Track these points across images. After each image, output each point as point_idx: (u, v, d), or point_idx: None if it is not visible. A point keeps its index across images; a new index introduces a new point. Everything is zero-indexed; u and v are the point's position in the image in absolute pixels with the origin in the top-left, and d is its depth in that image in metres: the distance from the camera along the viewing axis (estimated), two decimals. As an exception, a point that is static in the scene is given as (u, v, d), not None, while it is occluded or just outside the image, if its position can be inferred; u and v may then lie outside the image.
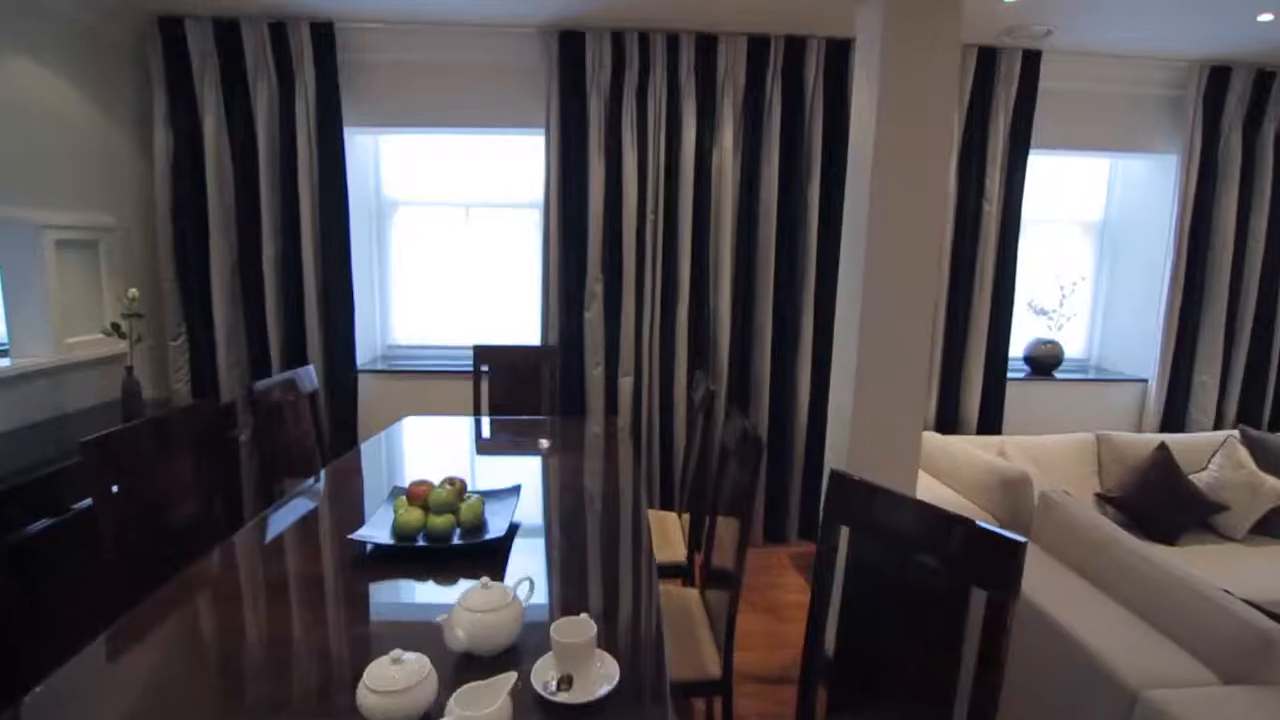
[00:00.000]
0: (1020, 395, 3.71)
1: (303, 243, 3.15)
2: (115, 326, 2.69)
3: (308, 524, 1.78)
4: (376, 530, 1.63)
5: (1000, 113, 3.30)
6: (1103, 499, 3.01)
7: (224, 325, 3.19)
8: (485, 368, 3.09)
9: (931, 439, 2.96)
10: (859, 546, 1.37)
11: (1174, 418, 3.70)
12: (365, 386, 3.41)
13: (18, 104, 2.56)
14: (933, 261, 2.19)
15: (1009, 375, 3.61)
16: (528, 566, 1.56)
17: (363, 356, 3.51)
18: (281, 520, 1.79)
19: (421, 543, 1.59)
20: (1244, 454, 2.96)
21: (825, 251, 3.30)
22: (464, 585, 1.43)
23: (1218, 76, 3.39)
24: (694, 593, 2.10)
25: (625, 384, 3.29)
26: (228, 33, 3.05)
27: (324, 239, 3.19)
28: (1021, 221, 3.44)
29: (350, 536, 1.56)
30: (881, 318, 2.21)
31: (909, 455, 2.29)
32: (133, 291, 2.70)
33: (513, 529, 1.73)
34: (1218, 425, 3.69)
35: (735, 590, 1.69)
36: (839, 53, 3.19)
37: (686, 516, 2.50)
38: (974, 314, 3.47)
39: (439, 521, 1.63)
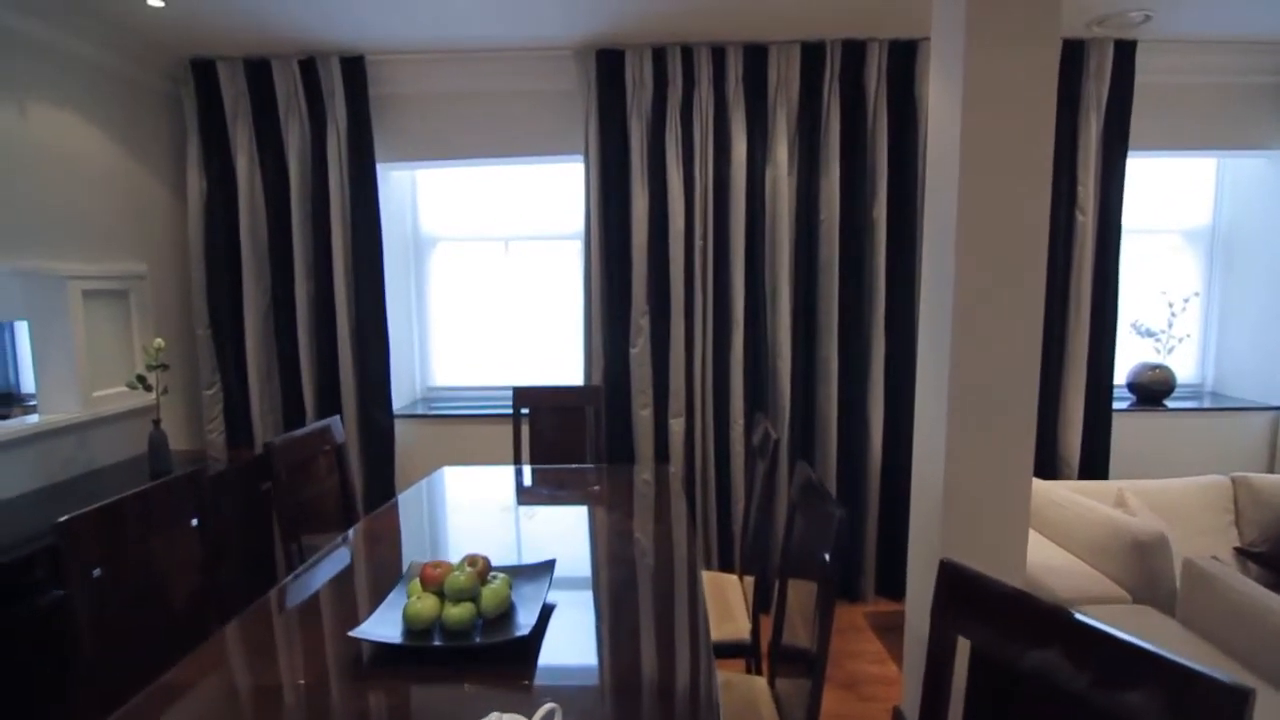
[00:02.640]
0: (1127, 429, 3.26)
1: (335, 283, 3.00)
2: (141, 379, 2.57)
3: (314, 606, 1.55)
4: (385, 621, 1.39)
5: (1092, 112, 2.93)
6: (1244, 554, 2.54)
7: (257, 372, 3.06)
8: (525, 411, 2.86)
9: (1036, 488, 2.57)
10: (987, 664, 1.04)
11: (1316, 452, 3.18)
12: (403, 432, 3.23)
13: (49, 153, 2.51)
14: (1039, 282, 1.84)
15: (1114, 407, 3.17)
16: (564, 653, 1.28)
17: (402, 400, 3.35)
18: (294, 594, 1.56)
19: (436, 641, 1.33)
20: None
21: (895, 274, 2.97)
22: (486, 695, 1.16)
23: (1353, 57, 2.93)
24: (761, 682, 1.78)
25: (676, 426, 3.01)
26: (259, 72, 2.97)
27: (357, 278, 3.04)
28: (1122, 232, 3.03)
29: (351, 634, 1.32)
30: (977, 349, 1.87)
31: (1017, 513, 1.93)
32: (158, 342, 2.59)
33: (546, 614, 1.46)
34: (1373, 460, 3.15)
35: (817, 680, 1.37)
36: (903, 55, 2.89)
37: (750, 580, 2.19)
38: (1071, 339, 3.06)
39: (456, 612, 1.37)
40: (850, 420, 3.03)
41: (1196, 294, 3.54)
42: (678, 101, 2.90)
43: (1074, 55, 2.91)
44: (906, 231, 2.94)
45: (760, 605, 2.06)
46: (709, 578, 2.35)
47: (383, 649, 1.34)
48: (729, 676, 1.79)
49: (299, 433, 2.18)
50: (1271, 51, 3.01)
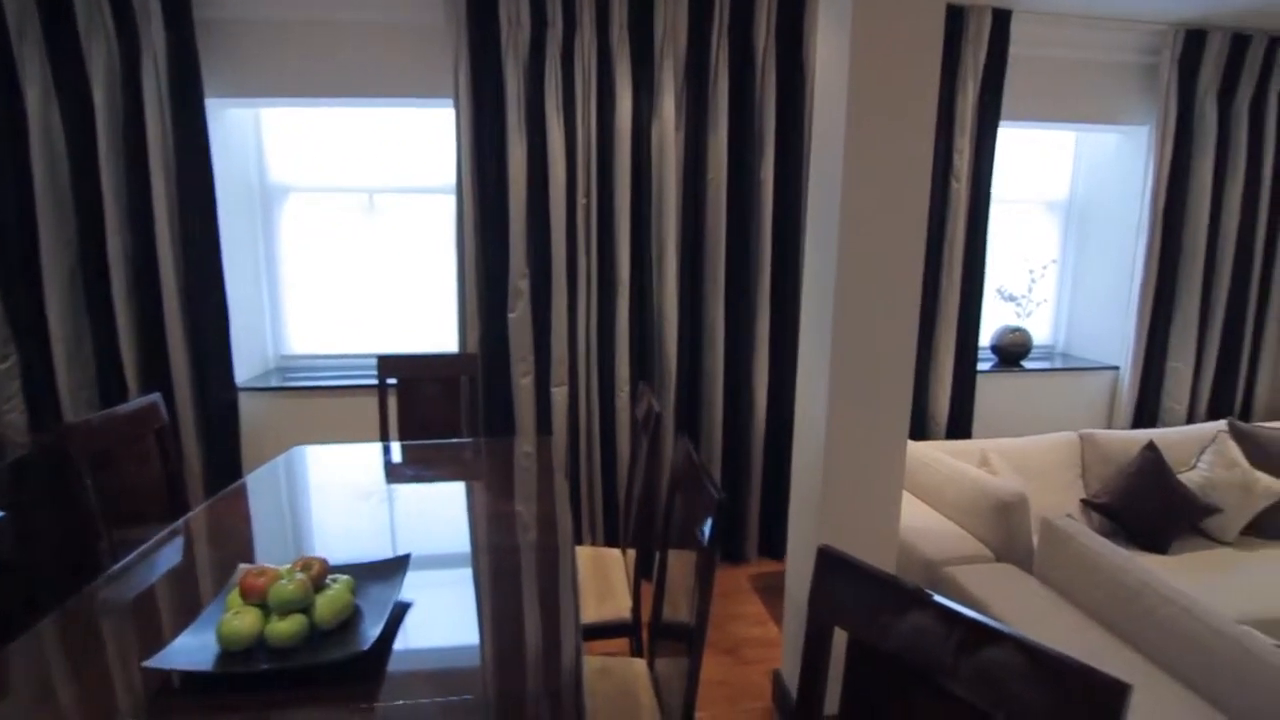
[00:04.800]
0: (989, 388, 3.44)
1: (158, 237, 2.59)
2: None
3: (116, 622, 1.30)
4: (195, 644, 1.17)
5: (969, 80, 2.98)
6: (1089, 505, 2.74)
7: (64, 341, 2.61)
8: (393, 381, 2.61)
9: (908, 449, 2.63)
10: (864, 650, 0.99)
11: (1146, 408, 3.49)
12: (252, 407, 2.88)
13: None
14: (919, 246, 1.82)
15: (979, 368, 3.33)
16: (418, 659, 1.13)
17: (250, 370, 2.98)
18: (98, 605, 1.30)
19: (265, 665, 1.13)
20: (1236, 451, 2.73)
21: (782, 237, 2.93)
22: (304, 738, 0.99)
23: (1194, 40, 3.13)
24: (641, 665, 1.70)
25: (559, 396, 2.86)
26: (48, -21, 2.46)
27: (185, 232, 2.64)
28: (991, 201, 3.14)
29: (146, 665, 1.09)
30: (859, 315, 1.83)
31: (893, 477, 1.94)
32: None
33: (397, 618, 1.29)
34: (1191, 415, 3.50)
35: (695, 661, 1.29)
36: (792, 11, 2.79)
37: (633, 553, 2.11)
38: (943, 302, 3.16)
39: (283, 627, 1.17)
40: (736, 384, 3.00)
41: (1054, 261, 3.76)
42: (558, 46, 2.67)
43: (955, 20, 2.92)
44: (794, 193, 2.89)
45: (639, 581, 1.98)
46: (591, 554, 2.25)
47: (194, 678, 1.12)
48: (607, 662, 1.70)
49: (103, 415, 1.85)
50: (1134, 31, 3.16)
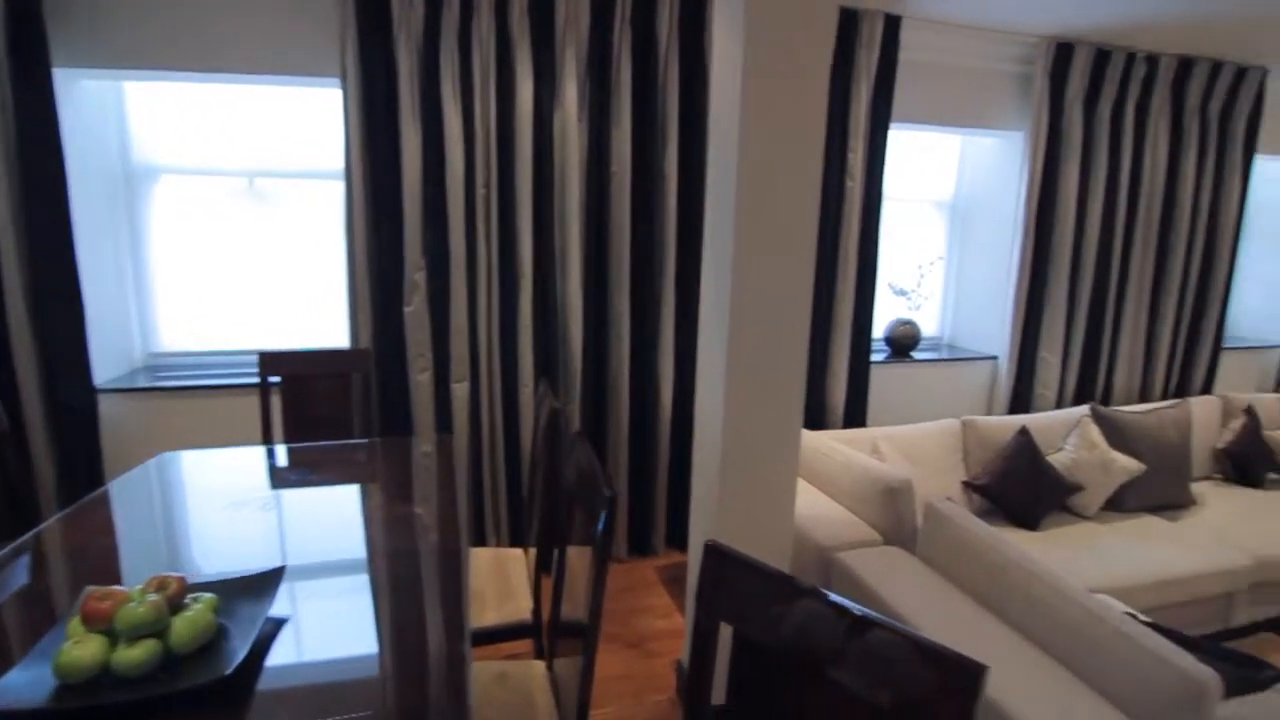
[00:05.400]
0: (882, 378, 3.60)
1: (-3, 223, 2.31)
2: None
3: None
4: (27, 680, 1.04)
5: (863, 82, 3.09)
6: (970, 487, 2.92)
7: (-120, 338, 2.29)
8: (276, 379, 2.45)
9: (805, 439, 2.72)
10: (748, 641, 1.00)
11: (1021, 395, 3.76)
12: (116, 410, 2.63)
13: None
14: (810, 241, 1.87)
15: (872, 359, 3.48)
16: (293, 674, 1.05)
17: (114, 370, 2.73)
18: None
19: (110, 697, 1.02)
20: (1096, 433, 2.98)
21: (686, 231, 2.95)
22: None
23: (1063, 53, 3.38)
24: (540, 667, 1.67)
25: (460, 392, 2.77)
26: None
27: (30, 215, 2.36)
28: (883, 199, 3.27)
29: (-40, 706, 0.97)
30: (754, 309, 1.86)
31: (787, 465, 1.99)
32: None
33: (268, 636, 1.20)
34: (1059, 401, 3.80)
35: (589, 660, 1.28)
36: (694, 3, 2.80)
37: (536, 553, 2.07)
38: (839, 297, 3.27)
39: (131, 655, 1.06)
40: (642, 377, 3.00)
41: (941, 258, 3.98)
42: (454, 27, 2.56)
43: (849, 24, 3.02)
44: (696, 186, 2.92)
45: (540, 579, 1.95)
46: (492, 555, 2.19)
47: (25, 717, 1.00)
48: (505, 667, 1.66)
49: (-76, 423, 1.63)
50: (1012, 41, 3.36)
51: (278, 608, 1.30)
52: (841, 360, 3.32)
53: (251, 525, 1.69)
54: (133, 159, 2.79)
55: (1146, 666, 1.31)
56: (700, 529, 2.09)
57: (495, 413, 2.82)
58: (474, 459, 2.84)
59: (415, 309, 2.68)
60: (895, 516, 2.14)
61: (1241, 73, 3.72)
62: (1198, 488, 3.29)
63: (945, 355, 3.83)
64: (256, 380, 2.57)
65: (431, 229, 2.65)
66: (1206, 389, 4.13)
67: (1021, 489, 2.82)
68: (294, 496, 1.88)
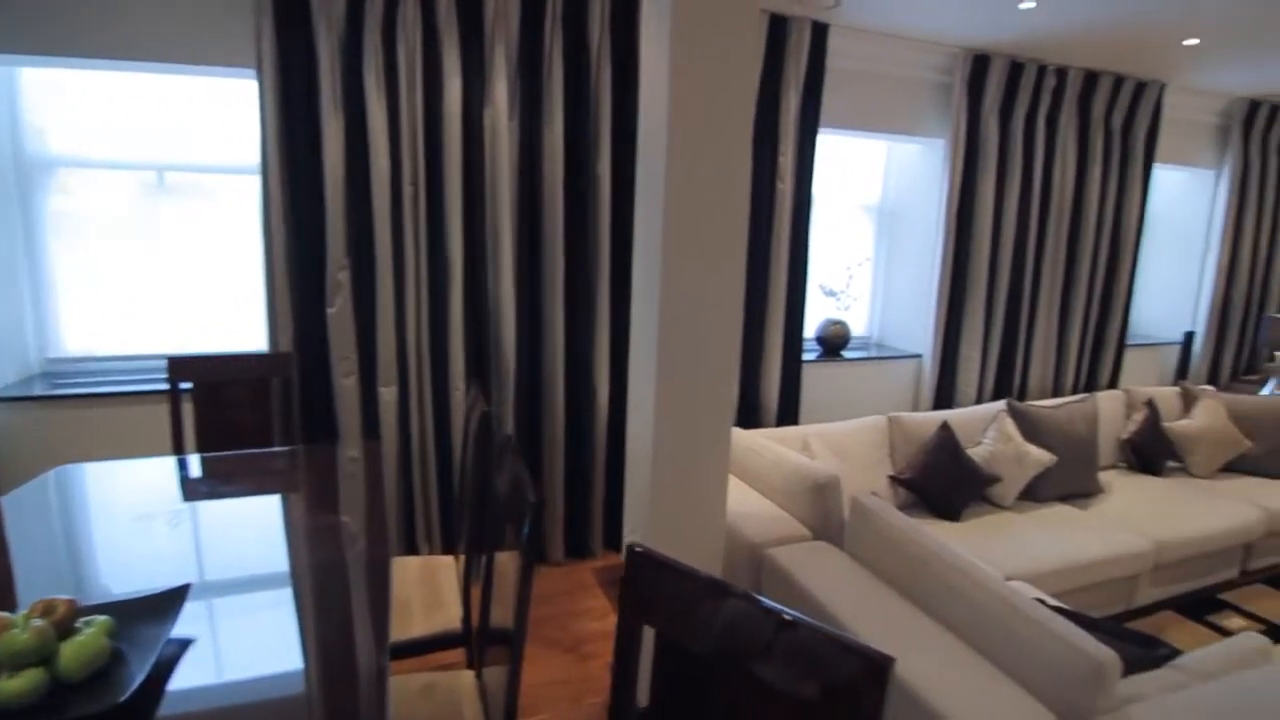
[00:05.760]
0: (814, 377, 3.69)
1: None
2: None
3: None
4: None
5: (792, 86, 3.15)
6: (896, 481, 3.02)
7: None
8: (187, 386, 2.32)
9: (738, 437, 2.76)
10: (670, 642, 1.00)
11: (945, 391, 3.91)
12: (9, 420, 2.44)
13: None
14: (740, 242, 1.89)
15: (804, 358, 3.56)
16: (196, 698, 0.99)
17: (5, 376, 2.53)
18: None
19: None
20: (1012, 426, 3.12)
21: (620, 232, 2.94)
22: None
23: (980, 64, 3.53)
24: (468, 677, 1.64)
25: (388, 396, 2.69)
26: None
27: (-95, 211, 2.17)
28: (813, 202, 3.35)
29: None
30: (685, 310, 1.87)
31: (719, 464, 2.01)
32: None
33: (169, 660, 1.14)
34: (979, 397, 3.97)
35: (515, 667, 1.26)
36: (626, 2, 2.80)
37: (465, 560, 2.02)
38: (771, 297, 3.33)
39: (13, 686, 0.99)
40: (578, 378, 2.98)
41: (869, 259, 4.10)
42: (378, 18, 2.48)
43: (779, 30, 3.07)
44: (630, 188, 2.91)
45: (468, 587, 1.91)
46: (421, 563, 2.14)
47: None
48: (433, 678, 1.62)
49: None
50: (933, 51, 3.49)
51: (188, 628, 1.23)
52: (774, 360, 3.38)
53: (162, 541, 1.59)
54: (28, 150, 2.60)
55: (1052, 649, 1.38)
56: (634, 529, 2.09)
57: (425, 417, 2.75)
58: (403, 465, 2.76)
59: (339, 310, 2.58)
60: (824, 512, 2.19)
61: (1141, 86, 3.98)
62: (1104, 476, 3.49)
63: (874, 354, 3.95)
64: (166, 386, 2.43)
65: (355, 226, 2.57)
66: (1112, 384, 4.40)
67: (943, 482, 2.94)
68: (209, 509, 1.78)
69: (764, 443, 2.62)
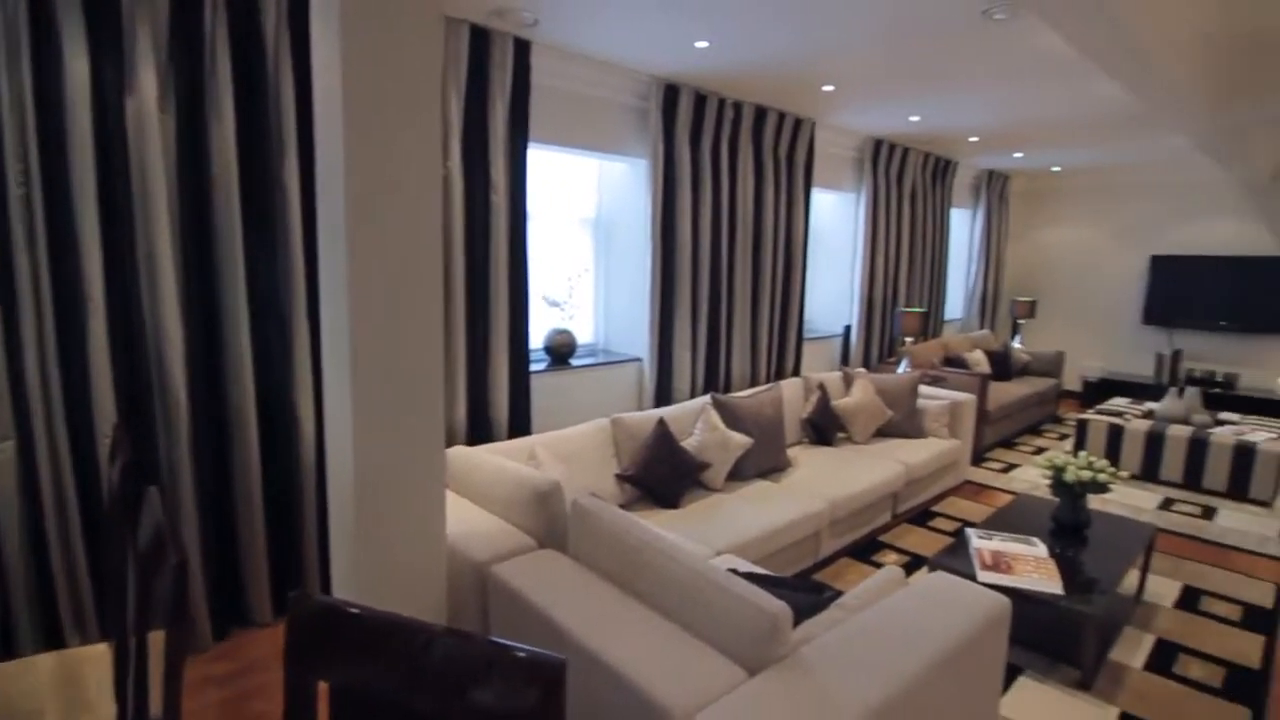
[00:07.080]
0: (544, 386, 3.74)
1: None
2: None
3: None
4: None
5: (499, 99, 3.16)
6: (621, 479, 3.18)
7: None
8: None
9: (459, 455, 2.67)
10: (344, 690, 0.90)
11: (663, 390, 4.24)
12: None
13: None
14: (434, 252, 1.82)
15: (532, 369, 3.59)
16: None
17: None
18: None
19: None
20: (716, 417, 3.48)
21: (315, 246, 2.67)
22: None
23: (671, 93, 3.89)
24: (121, 787, 1.33)
25: (4, 454, 2.10)
26: None
27: None
28: (528, 213, 3.39)
29: None
30: (377, 325, 1.75)
31: (433, 487, 1.92)
32: None
33: None
34: (692, 393, 4.37)
35: None
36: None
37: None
38: (494, 310, 3.30)
39: None
40: (273, 408, 2.64)
41: (589, 270, 4.28)
42: (-48, -26, 1.94)
43: (481, 41, 3.06)
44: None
45: (121, 675, 1.57)
46: (56, 661, 1.70)
47: None
48: (64, 801, 1.29)
49: None
50: (631, 78, 3.75)
51: None
52: (502, 372, 3.35)
53: None
54: None
55: (738, 610, 1.54)
56: (343, 571, 1.90)
57: (63, 475, 2.21)
58: (33, 541, 2.19)
59: (-89, 348, 1.96)
60: (548, 519, 2.21)
61: (799, 122, 4.73)
62: (792, 452, 4.07)
63: (600, 360, 4.13)
64: None
65: (-67, 239, 1.97)
66: (795, 372, 5.16)
67: (663, 474, 3.16)
68: None
69: (484, 456, 2.58)
